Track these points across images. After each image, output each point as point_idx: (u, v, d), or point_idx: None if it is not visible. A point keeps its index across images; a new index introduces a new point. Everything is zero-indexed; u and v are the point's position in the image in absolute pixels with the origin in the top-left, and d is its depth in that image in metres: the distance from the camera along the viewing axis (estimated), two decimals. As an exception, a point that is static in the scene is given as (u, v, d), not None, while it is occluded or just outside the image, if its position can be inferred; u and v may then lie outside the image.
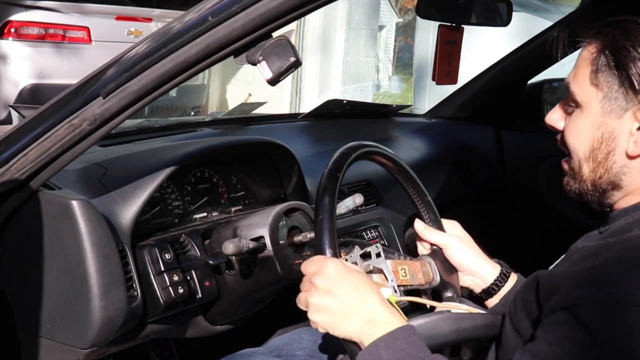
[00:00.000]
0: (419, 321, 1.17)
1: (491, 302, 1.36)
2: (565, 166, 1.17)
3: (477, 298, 1.38)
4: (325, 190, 1.18)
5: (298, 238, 1.61)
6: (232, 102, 7.07)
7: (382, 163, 1.39)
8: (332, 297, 1.09)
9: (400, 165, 1.42)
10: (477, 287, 1.37)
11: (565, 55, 1.18)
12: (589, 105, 1.10)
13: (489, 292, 1.36)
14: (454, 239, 1.41)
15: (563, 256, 1.25)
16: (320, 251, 1.15)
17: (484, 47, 4.10)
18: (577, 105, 1.12)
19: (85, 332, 1.34)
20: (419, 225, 1.42)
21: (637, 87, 1.05)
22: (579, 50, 1.13)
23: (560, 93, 2.54)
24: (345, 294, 1.09)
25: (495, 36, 4.67)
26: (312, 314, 1.10)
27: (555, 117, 1.18)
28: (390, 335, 1.05)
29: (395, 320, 1.08)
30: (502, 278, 1.36)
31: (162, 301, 1.43)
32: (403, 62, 10.57)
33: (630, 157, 1.08)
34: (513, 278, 1.36)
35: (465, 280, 1.37)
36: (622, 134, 1.08)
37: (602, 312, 0.94)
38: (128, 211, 1.43)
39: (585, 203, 1.16)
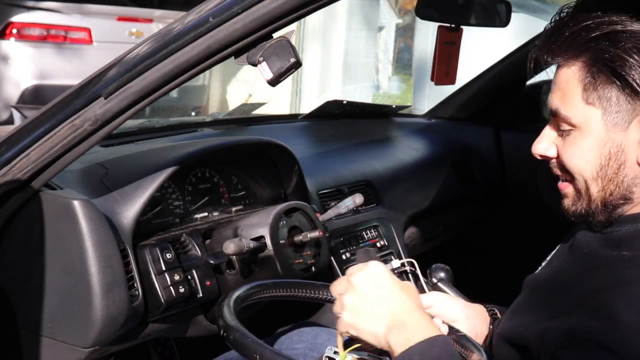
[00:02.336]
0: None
1: None
2: (567, 189, 1.13)
3: None
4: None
5: (298, 238, 1.62)
6: (233, 102, 7.07)
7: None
8: (364, 297, 1.04)
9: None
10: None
11: (537, 73, 1.16)
12: (588, 124, 1.07)
13: None
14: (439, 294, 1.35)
15: (553, 254, 1.25)
16: None
17: (483, 48, 4.10)
18: (573, 127, 1.09)
19: (87, 331, 1.34)
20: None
21: (635, 98, 1.03)
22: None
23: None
24: (378, 295, 1.04)
25: (495, 37, 4.67)
26: (342, 313, 1.06)
27: (544, 147, 1.14)
28: (427, 343, 0.99)
29: (430, 326, 1.03)
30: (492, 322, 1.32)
31: (163, 300, 1.44)
32: (403, 62, 10.57)
33: None
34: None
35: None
36: (631, 145, 1.06)
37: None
38: (129, 211, 1.44)
39: (587, 223, 1.14)
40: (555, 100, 1.10)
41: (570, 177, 1.12)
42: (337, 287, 1.09)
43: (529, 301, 1.18)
